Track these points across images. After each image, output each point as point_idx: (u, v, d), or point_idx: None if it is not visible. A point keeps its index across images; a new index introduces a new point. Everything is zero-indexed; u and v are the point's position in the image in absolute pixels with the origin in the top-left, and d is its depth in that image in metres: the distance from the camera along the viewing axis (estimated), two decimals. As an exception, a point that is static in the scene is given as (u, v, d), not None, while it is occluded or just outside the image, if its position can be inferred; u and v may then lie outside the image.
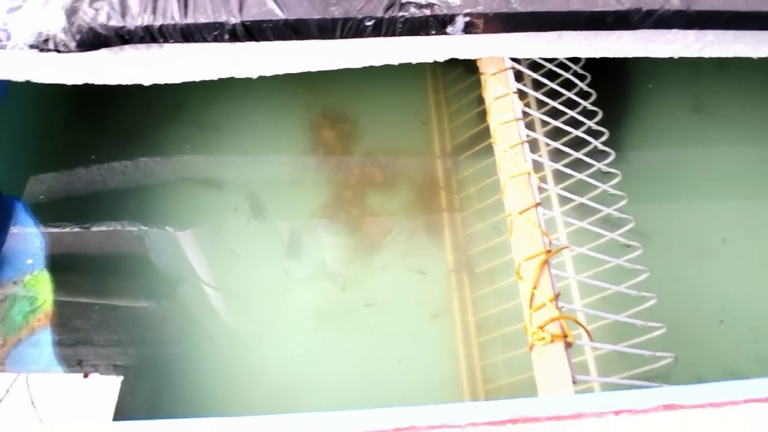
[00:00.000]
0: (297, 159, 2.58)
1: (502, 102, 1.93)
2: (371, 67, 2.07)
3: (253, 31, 1.79)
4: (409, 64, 2.06)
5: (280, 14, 1.77)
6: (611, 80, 2.58)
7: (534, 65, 2.34)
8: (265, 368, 2.18)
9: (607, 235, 2.04)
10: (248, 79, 2.09)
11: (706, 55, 2.04)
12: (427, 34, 1.83)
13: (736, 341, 2.14)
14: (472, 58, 2.01)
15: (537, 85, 2.30)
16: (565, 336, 1.63)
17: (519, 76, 2.25)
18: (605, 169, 2.17)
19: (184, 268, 2.40)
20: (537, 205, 1.80)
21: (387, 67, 2.08)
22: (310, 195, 2.48)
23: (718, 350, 2.14)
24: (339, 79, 2.21)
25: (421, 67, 2.10)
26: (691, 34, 1.96)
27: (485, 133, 2.10)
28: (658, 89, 2.65)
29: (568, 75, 2.29)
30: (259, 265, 2.36)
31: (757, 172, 2.45)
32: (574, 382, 1.59)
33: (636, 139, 2.50)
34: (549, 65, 2.28)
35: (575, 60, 2.35)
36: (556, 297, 1.67)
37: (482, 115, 2.15)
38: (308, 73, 2.08)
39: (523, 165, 1.85)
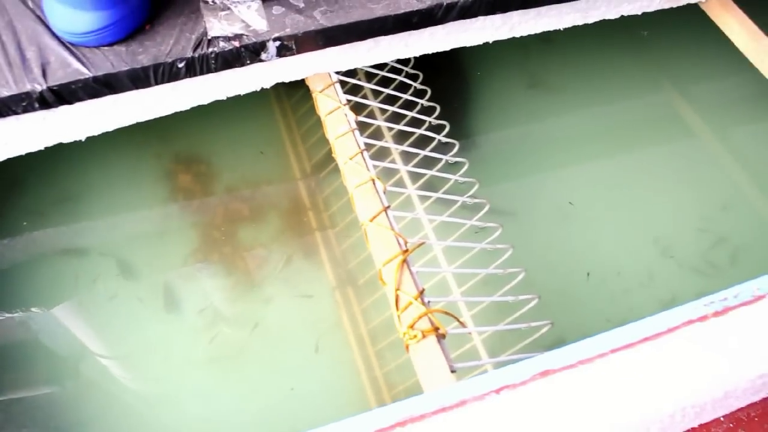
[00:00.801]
0: (158, 210, 2.51)
1: (335, 115, 1.96)
2: (214, 103, 2.06)
3: (64, 95, 1.74)
4: (251, 93, 2.06)
5: (87, 72, 1.72)
6: (445, 73, 2.68)
7: (369, 75, 2.39)
8: (175, 425, 2.12)
9: (467, 223, 2.10)
10: (90, 139, 2.03)
11: (517, 35, 2.15)
12: (243, 65, 1.83)
13: (609, 293, 2.26)
14: (297, 78, 2.03)
15: (375, 94, 2.35)
16: (437, 329, 1.66)
17: (356, 89, 2.30)
18: (452, 160, 2.24)
19: (74, 343, 2.29)
20: (386, 209, 1.83)
21: (230, 100, 2.07)
22: (178, 243, 2.42)
23: (595, 306, 2.25)
24: (185, 120, 2.16)
25: (264, 93, 2.11)
26: (497, 19, 2.06)
27: (334, 148, 2.13)
28: (493, 73, 2.77)
29: (401, 78, 2.35)
30: (142, 324, 2.28)
31: (596, 133, 2.60)
32: (452, 371, 1.63)
33: (481, 125, 2.60)
34: (381, 72, 2.33)
35: (406, 62, 2.42)
36: (421, 293, 1.71)
37: (328, 131, 2.17)
38: (151, 120, 2.04)
39: (365, 173, 1.88)
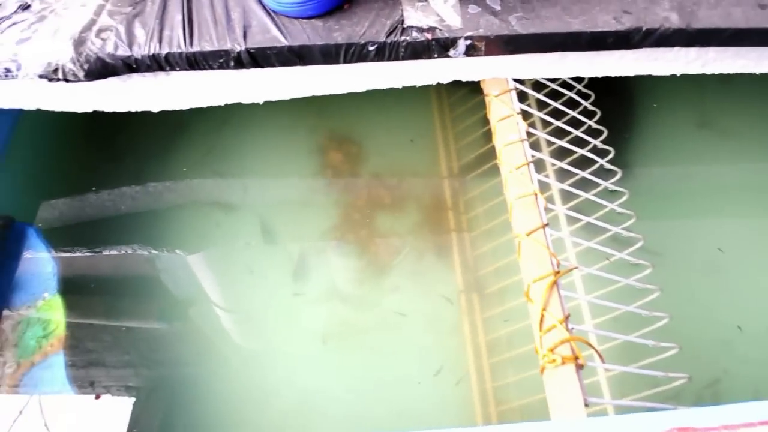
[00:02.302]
0: (305, 181, 2.59)
1: (507, 123, 1.94)
2: (376, 89, 2.09)
3: (258, 58, 1.81)
4: (413, 86, 2.08)
5: (284, 41, 1.79)
6: (616, 98, 2.59)
7: (537, 85, 2.35)
8: (278, 389, 2.18)
9: (616, 255, 2.03)
10: (255, 104, 2.12)
11: (708, 72, 2.04)
12: (430, 57, 1.84)
13: (757, 357, 2.11)
14: (475, 79, 2.02)
15: (541, 105, 2.31)
16: (576, 358, 1.62)
17: (523, 96, 2.26)
18: (612, 187, 2.16)
19: (195, 289, 2.42)
20: (544, 226, 1.79)
21: (392, 89, 2.09)
22: (318, 217, 2.49)
23: (740, 369, 2.11)
24: (345, 101, 2.22)
25: (425, 87, 2.12)
26: (692, 52, 1.96)
27: (491, 153, 2.11)
28: (664, 106, 2.65)
29: (571, 94, 2.30)
30: (267, 286, 2.37)
31: (761, 185, 2.43)
32: (586, 405, 1.58)
33: (643, 157, 2.50)
34: (552, 85, 2.29)
35: (579, 79, 2.36)
36: (566, 318, 1.66)
37: (488, 135, 2.15)
38: (314, 96, 2.10)
39: (529, 186, 1.85)
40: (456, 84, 2.12)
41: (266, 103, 2.10)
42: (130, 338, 2.30)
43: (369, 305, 2.32)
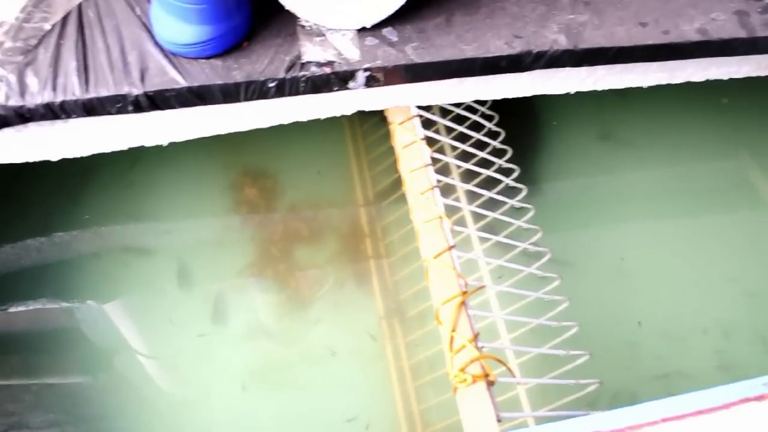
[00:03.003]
0: (220, 219, 2.57)
1: (411, 149, 1.98)
2: (283, 124, 2.10)
3: (157, 101, 1.80)
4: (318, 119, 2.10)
5: (182, 82, 1.79)
6: (520, 118, 2.68)
7: (443, 110, 2.41)
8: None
9: (525, 270, 2.09)
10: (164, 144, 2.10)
11: (600, 88, 2.15)
12: (330, 90, 1.87)
13: (659, 357, 2.21)
14: (378, 109, 2.07)
15: (449, 131, 2.37)
16: (487, 375, 1.65)
17: (430, 123, 2.32)
18: (518, 204, 2.24)
19: (115, 339, 2.35)
20: (451, 248, 1.83)
21: (303, 121, 2.11)
22: (235, 255, 2.47)
23: (645, 369, 2.21)
24: (259, 135, 2.22)
25: (338, 117, 2.16)
26: (583, 71, 2.06)
27: (403, 179, 2.15)
28: (566, 121, 2.77)
29: (476, 117, 2.37)
30: (186, 330, 2.32)
31: (663, 192, 2.57)
32: (498, 421, 1.61)
33: (548, 172, 2.59)
34: (457, 110, 2.36)
35: (482, 102, 2.44)
36: (475, 337, 1.70)
37: (399, 161, 2.20)
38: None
39: (434, 210, 1.89)
40: (367, 112, 2.16)
41: (174, 143, 2.09)
42: (52, 395, 2.21)
43: (291, 339, 2.31)
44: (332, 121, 2.23)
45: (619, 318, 2.26)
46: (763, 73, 2.26)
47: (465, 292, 1.76)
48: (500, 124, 2.45)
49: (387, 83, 1.91)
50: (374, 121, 2.74)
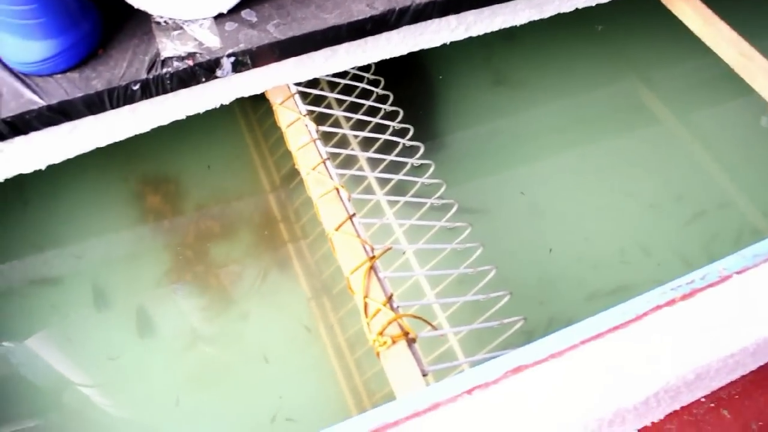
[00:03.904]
0: (129, 233, 2.49)
1: (296, 127, 1.96)
2: (179, 121, 2.05)
3: (18, 125, 1.72)
4: (216, 109, 2.05)
5: (40, 101, 1.71)
6: (408, 77, 2.69)
7: (331, 84, 2.39)
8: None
9: (436, 224, 2.11)
10: (53, 166, 2.00)
11: (473, 34, 2.17)
12: (199, 82, 1.83)
13: (579, 281, 2.28)
14: (257, 92, 2.03)
15: (339, 103, 2.35)
16: (407, 333, 1.66)
17: (320, 99, 2.30)
18: (417, 162, 2.24)
19: (41, 376, 2.26)
20: (351, 217, 1.83)
21: (195, 117, 2.06)
22: (151, 265, 2.41)
23: (568, 295, 2.27)
24: (150, 140, 2.14)
25: (229, 108, 2.10)
26: (452, 20, 2.06)
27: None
28: (458, 73, 2.78)
29: (363, 84, 2.36)
30: (117, 351, 2.27)
31: (562, 126, 2.62)
32: (424, 375, 1.63)
33: (447, 125, 2.61)
34: (343, 80, 2.34)
35: (366, 68, 2.42)
36: (389, 299, 1.71)
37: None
38: (115, 142, 2.02)
39: (329, 183, 1.88)
40: (258, 98, 2.12)
41: (66, 161, 2.00)
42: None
43: (226, 338, 2.28)
44: (224, 113, 2.18)
45: (534, 253, 2.31)
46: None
47: (372, 257, 1.77)
48: (389, 87, 2.44)
49: (256, 65, 1.87)
50: (266, 106, 2.68)
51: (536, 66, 2.82)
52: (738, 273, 1.45)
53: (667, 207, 2.41)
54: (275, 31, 1.85)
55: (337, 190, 1.87)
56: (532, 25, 2.29)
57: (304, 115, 1.98)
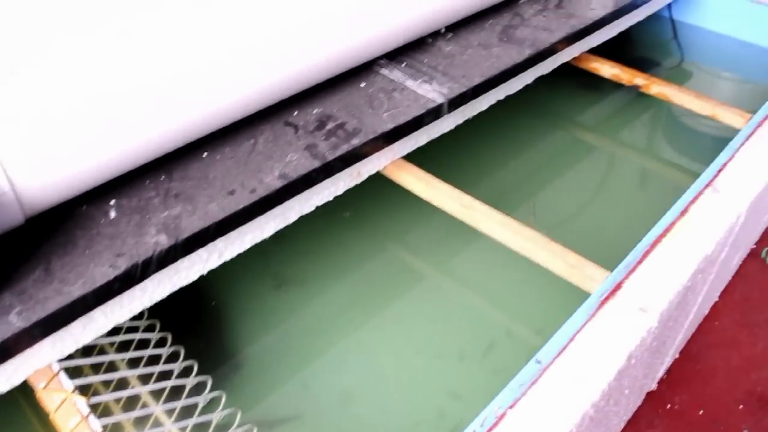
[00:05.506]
0: None
1: (65, 409, 1.88)
2: None
3: None
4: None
5: None
6: (188, 307, 2.72)
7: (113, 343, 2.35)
8: None
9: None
10: None
11: (227, 258, 2.28)
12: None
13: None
14: (18, 383, 1.93)
15: (128, 361, 2.30)
16: None
17: (98, 366, 2.24)
18: (207, 399, 2.21)
19: None
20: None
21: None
22: None
23: None
24: None
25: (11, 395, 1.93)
26: (202, 252, 2.17)
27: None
28: (239, 287, 2.87)
29: (139, 335, 2.35)
30: None
31: (347, 311, 2.76)
32: None
33: (236, 344, 2.61)
34: (118, 338, 2.31)
35: (139, 315, 2.42)
36: None
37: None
38: None
39: (112, 456, 1.79)
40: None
41: None
42: None
43: None
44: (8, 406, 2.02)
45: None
46: (357, 181, 2.59)
47: None
48: (168, 324, 2.44)
49: (7, 359, 1.80)
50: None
51: (308, 259, 3.00)
52: (510, 408, 1.57)
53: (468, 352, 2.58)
54: (18, 320, 1.81)
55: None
56: (294, 222, 2.45)
57: (72, 392, 1.91)
